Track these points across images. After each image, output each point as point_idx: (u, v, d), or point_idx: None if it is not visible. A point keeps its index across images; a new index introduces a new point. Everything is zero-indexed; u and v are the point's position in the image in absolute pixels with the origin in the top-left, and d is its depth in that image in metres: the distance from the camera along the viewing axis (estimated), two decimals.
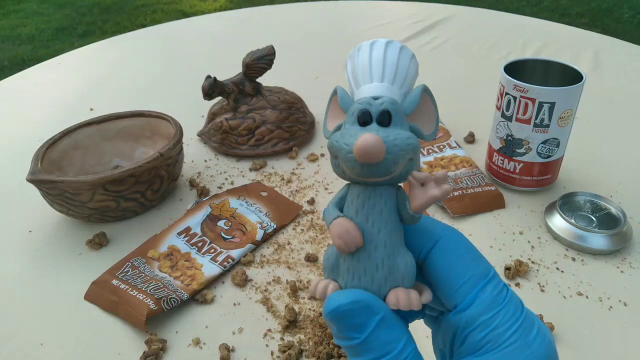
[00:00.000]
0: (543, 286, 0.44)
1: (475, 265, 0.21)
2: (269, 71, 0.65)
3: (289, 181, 0.59)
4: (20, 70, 0.97)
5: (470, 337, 0.20)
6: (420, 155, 0.60)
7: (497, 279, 0.21)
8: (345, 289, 0.21)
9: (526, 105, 0.50)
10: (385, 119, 0.20)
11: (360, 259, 0.21)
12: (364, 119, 0.21)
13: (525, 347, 0.19)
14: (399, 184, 0.22)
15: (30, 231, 0.53)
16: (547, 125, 0.50)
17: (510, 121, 0.52)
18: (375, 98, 0.21)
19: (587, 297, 0.43)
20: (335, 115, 0.24)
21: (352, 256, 0.21)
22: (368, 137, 0.19)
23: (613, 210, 0.50)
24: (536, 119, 0.50)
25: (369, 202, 0.21)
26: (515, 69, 0.54)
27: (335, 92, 0.23)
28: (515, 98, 0.50)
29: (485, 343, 0.19)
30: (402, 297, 0.20)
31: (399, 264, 0.21)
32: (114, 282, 0.44)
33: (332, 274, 0.22)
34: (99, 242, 0.50)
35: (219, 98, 0.67)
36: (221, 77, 0.65)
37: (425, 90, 0.22)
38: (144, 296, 0.41)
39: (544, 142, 0.51)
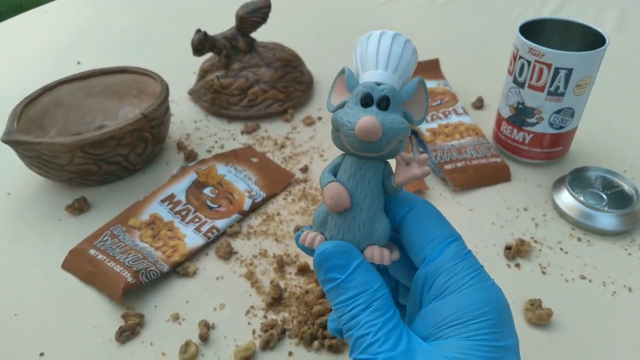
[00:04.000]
0: (545, 268, 0.42)
1: (443, 229, 0.25)
2: (264, 25, 0.61)
3: (283, 146, 0.56)
4: (17, 15, 0.92)
5: (435, 283, 0.23)
6: (425, 122, 0.56)
7: (461, 241, 0.24)
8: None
9: (541, 70, 0.45)
10: (384, 103, 0.24)
11: (346, 219, 0.24)
12: (366, 101, 0.24)
13: (482, 290, 0.22)
14: (387, 160, 0.25)
15: (9, 193, 0.50)
16: (562, 94, 0.46)
17: (523, 88, 0.47)
18: (378, 84, 0.24)
19: (590, 280, 0.41)
20: (340, 92, 0.26)
21: (340, 215, 0.24)
22: (369, 119, 0.22)
23: (626, 187, 0.47)
24: (550, 86, 0.46)
25: (360, 172, 0.24)
26: (531, 30, 0.49)
27: (342, 72, 0.26)
28: (529, 62, 0.46)
29: (447, 286, 0.23)
30: (377, 253, 0.24)
31: (377, 226, 0.24)
32: (92, 251, 0.42)
33: (320, 228, 0.25)
34: (79, 208, 0.47)
35: (210, 54, 0.62)
36: (214, 30, 0.60)
37: (421, 82, 0.25)
38: (122, 268, 0.39)
39: (557, 112, 0.47)
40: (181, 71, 0.68)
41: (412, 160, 0.24)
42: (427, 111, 0.26)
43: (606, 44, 0.45)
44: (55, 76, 0.56)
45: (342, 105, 0.25)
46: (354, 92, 0.24)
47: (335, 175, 0.25)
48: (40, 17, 0.92)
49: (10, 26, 0.89)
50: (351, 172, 0.24)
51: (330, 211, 0.24)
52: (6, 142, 0.45)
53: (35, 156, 0.46)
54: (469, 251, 0.24)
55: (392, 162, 0.25)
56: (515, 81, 0.48)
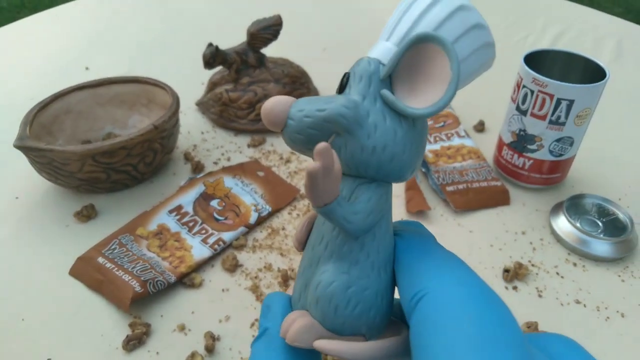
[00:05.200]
0: (541, 291, 0.43)
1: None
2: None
3: (288, 161, 0.57)
4: (18, 12, 0.92)
5: None
6: (428, 143, 0.57)
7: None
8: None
9: (543, 100, 0.47)
10: (342, 83, 0.18)
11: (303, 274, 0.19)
12: (341, 84, 0.19)
13: None
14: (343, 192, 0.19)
15: (17, 197, 0.51)
16: (563, 123, 0.47)
17: (525, 116, 0.49)
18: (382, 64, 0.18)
19: (584, 305, 0.42)
20: None
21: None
22: (271, 99, 0.18)
23: (620, 216, 0.48)
24: (552, 115, 0.47)
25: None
26: (535, 59, 0.51)
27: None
28: (532, 92, 0.47)
29: None
30: (287, 321, 0.18)
31: (319, 278, 0.18)
32: (100, 259, 0.42)
33: None
34: (87, 215, 0.48)
35: (220, 67, 0.64)
36: (224, 43, 0.62)
37: (421, 40, 0.16)
38: (130, 277, 0.40)
39: (558, 140, 0.49)
40: (189, 81, 0.69)
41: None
42: (451, 91, 0.16)
43: (607, 78, 0.46)
44: (63, 81, 0.57)
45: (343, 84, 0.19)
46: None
47: None
48: (50, 21, 0.93)
49: (19, 29, 0.89)
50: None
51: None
52: (18, 147, 0.46)
53: (46, 163, 0.47)
54: None
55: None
56: (518, 109, 0.50)
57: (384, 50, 0.18)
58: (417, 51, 0.16)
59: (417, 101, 0.16)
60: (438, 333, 0.13)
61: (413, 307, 0.14)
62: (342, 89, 0.18)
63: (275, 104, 0.17)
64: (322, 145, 0.15)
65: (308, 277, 0.18)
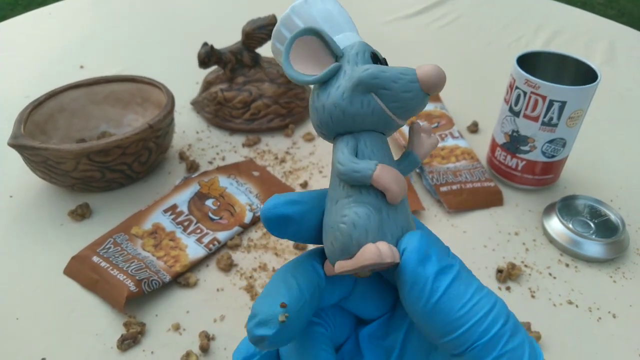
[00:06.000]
0: (534, 292, 0.43)
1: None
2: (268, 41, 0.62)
3: (283, 161, 0.57)
4: (11, 10, 0.92)
5: None
6: None
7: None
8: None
9: (536, 102, 0.47)
10: (385, 63, 0.20)
11: (399, 211, 0.19)
12: (377, 58, 0.19)
13: None
14: None
15: (11, 196, 0.51)
16: (556, 125, 0.48)
17: (518, 117, 0.50)
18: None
19: (577, 306, 0.43)
20: (304, 59, 0.19)
21: (395, 208, 0.19)
22: (433, 66, 0.18)
23: (612, 217, 0.49)
24: (545, 117, 0.48)
25: (388, 151, 0.20)
26: (527, 61, 0.51)
27: (306, 33, 0.19)
28: (525, 93, 0.48)
29: None
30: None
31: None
32: (95, 258, 0.42)
33: (370, 237, 0.18)
34: (81, 214, 0.48)
35: (215, 66, 0.64)
36: (219, 42, 0.62)
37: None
38: (125, 277, 0.40)
39: (550, 142, 0.49)
40: (184, 81, 0.69)
41: (427, 130, 0.21)
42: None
43: (598, 80, 0.47)
44: (58, 79, 0.57)
45: (333, 73, 0.19)
46: (349, 53, 0.19)
47: None
48: (44, 19, 0.92)
49: (12, 27, 0.89)
50: (382, 152, 0.19)
51: (394, 203, 0.19)
52: (13, 146, 0.46)
53: (41, 161, 0.47)
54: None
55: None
56: (511, 110, 0.50)
57: (359, 39, 0.20)
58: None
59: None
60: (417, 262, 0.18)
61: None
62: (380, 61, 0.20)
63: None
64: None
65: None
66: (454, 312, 0.17)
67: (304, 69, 0.19)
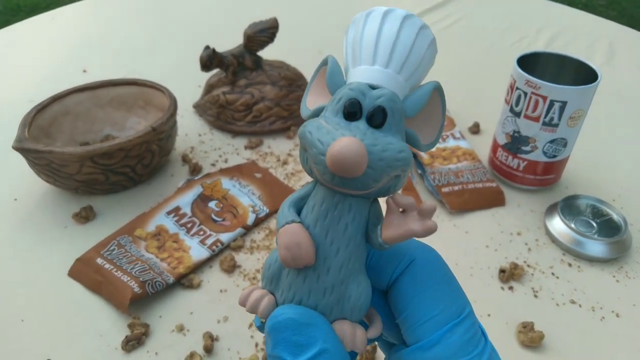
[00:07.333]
0: (537, 292, 0.43)
1: (449, 300, 0.18)
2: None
3: (285, 163, 0.58)
4: (14, 16, 0.93)
5: None
6: None
7: (472, 320, 0.18)
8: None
9: (537, 102, 0.48)
10: (378, 117, 0.16)
11: (307, 279, 0.17)
12: (352, 111, 0.16)
13: None
14: (376, 199, 0.18)
15: (15, 199, 0.51)
16: (556, 125, 0.48)
17: (519, 117, 0.50)
18: (373, 87, 0.17)
19: (580, 305, 0.43)
20: (320, 91, 0.19)
21: (298, 272, 0.17)
22: (348, 143, 0.15)
23: (614, 216, 0.49)
24: (545, 117, 0.48)
25: (334, 213, 0.17)
26: (528, 62, 0.51)
27: (324, 63, 0.18)
28: (526, 94, 0.48)
29: None
30: (347, 334, 0.17)
31: (351, 293, 0.17)
32: (99, 260, 0.42)
33: (270, 286, 0.18)
34: (85, 216, 0.48)
35: (217, 69, 0.64)
36: (221, 46, 0.62)
37: (438, 89, 0.17)
38: (129, 278, 0.40)
39: (551, 142, 0.49)
40: (186, 84, 0.70)
41: (411, 208, 0.17)
42: (440, 133, 0.18)
43: (598, 80, 0.47)
44: (61, 83, 0.57)
45: (318, 112, 0.18)
46: (336, 95, 0.18)
47: (299, 212, 0.18)
48: (47, 24, 0.93)
49: (15, 32, 0.89)
50: (321, 211, 0.17)
51: (285, 266, 0.18)
52: (17, 149, 0.46)
53: (45, 164, 0.47)
54: (482, 337, 0.18)
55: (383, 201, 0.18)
56: (512, 110, 0.50)
57: (391, 79, 0.17)
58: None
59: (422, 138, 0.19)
60: (430, 278, 0.19)
61: (403, 270, 0.19)
62: (372, 121, 0.17)
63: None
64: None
65: (342, 291, 0.18)
66: None
67: (320, 98, 0.19)
